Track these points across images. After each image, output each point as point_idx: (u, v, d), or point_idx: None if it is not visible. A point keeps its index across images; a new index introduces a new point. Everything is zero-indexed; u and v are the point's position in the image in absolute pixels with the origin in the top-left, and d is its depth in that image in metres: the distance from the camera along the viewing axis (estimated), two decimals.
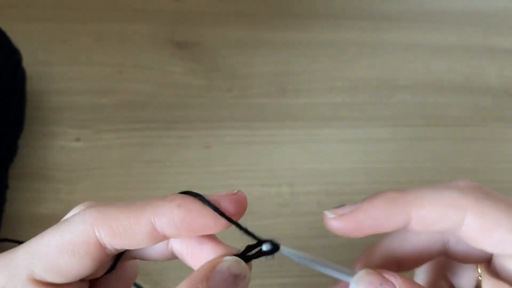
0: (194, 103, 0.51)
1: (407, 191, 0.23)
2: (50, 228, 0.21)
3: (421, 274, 0.28)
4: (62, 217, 0.27)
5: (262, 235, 0.23)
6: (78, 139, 0.48)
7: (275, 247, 0.22)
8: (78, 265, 0.21)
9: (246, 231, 0.22)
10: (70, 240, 0.21)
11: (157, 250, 0.24)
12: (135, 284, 0.39)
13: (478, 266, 0.25)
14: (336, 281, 0.25)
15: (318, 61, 0.56)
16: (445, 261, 0.28)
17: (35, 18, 0.55)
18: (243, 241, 0.23)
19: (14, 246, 0.43)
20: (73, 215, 0.22)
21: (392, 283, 0.22)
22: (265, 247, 0.22)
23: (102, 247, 0.21)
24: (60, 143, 0.47)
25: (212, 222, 0.21)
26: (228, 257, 0.22)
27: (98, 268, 0.22)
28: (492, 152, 0.51)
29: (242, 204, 0.22)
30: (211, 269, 0.21)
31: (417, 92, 0.54)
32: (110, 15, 0.57)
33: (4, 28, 0.47)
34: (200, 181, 0.46)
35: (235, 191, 0.22)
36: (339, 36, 0.58)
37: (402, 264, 0.26)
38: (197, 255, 0.23)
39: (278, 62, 0.55)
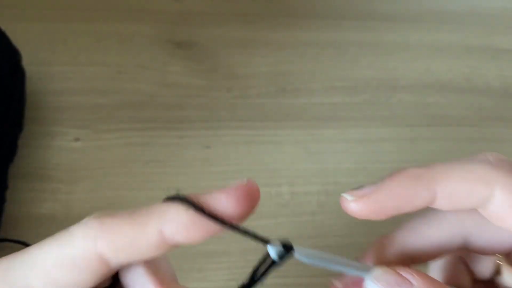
0: (194, 103, 0.51)
1: (431, 167, 0.22)
2: (50, 238, 0.20)
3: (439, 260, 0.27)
4: (61, 217, 0.26)
5: (262, 235, 0.21)
6: (77, 139, 0.48)
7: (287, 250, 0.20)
8: (78, 280, 0.19)
9: (248, 233, 0.20)
10: (70, 254, 0.19)
11: None
12: None
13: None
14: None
15: (318, 61, 0.56)
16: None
17: (35, 18, 0.55)
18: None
19: (14, 246, 0.43)
20: (75, 226, 0.20)
21: (410, 282, 0.21)
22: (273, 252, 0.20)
23: (104, 262, 0.19)
24: (59, 143, 0.47)
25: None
26: None
27: (101, 282, 0.20)
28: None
29: (249, 199, 0.20)
30: None
31: (417, 92, 0.54)
32: (110, 15, 0.57)
33: (4, 28, 0.47)
34: (200, 181, 0.46)
35: (245, 182, 0.20)
36: (339, 36, 0.58)
37: (416, 259, 0.24)
38: None
39: (278, 62, 0.55)
